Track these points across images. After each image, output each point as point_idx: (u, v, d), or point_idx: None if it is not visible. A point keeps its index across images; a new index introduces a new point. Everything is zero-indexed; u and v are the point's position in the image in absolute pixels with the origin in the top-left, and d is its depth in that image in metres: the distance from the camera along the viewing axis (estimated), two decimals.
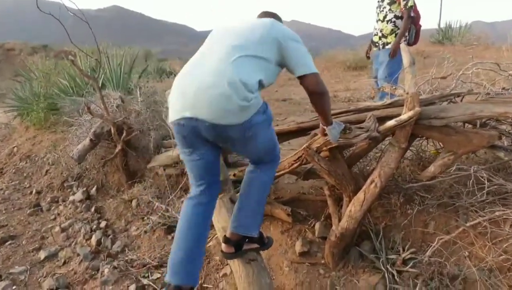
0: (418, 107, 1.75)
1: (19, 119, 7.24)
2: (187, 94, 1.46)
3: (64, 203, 3.79)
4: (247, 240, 1.73)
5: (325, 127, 1.74)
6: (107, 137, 3.37)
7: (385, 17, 3.86)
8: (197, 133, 1.49)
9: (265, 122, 1.55)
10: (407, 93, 1.82)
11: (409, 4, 3.63)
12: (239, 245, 1.71)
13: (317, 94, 1.59)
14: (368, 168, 2.68)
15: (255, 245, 1.77)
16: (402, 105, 1.92)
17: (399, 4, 3.71)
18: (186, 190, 2.99)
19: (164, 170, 3.13)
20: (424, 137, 2.33)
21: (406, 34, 3.75)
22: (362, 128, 1.86)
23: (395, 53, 3.70)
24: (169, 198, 2.90)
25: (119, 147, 3.27)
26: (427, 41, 14.81)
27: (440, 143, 2.26)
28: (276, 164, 1.77)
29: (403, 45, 2.07)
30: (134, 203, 3.22)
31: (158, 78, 14.61)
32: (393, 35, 3.82)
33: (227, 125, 1.43)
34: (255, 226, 1.72)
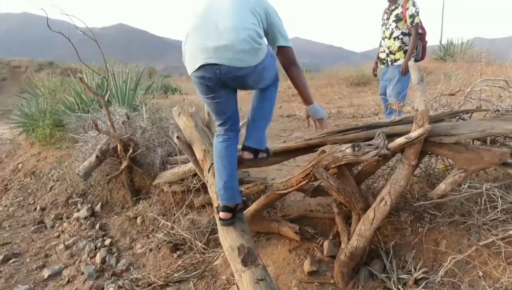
0: (427, 125, 1.74)
1: (24, 135, 7.28)
2: (208, 44, 1.72)
3: (68, 220, 3.77)
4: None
5: (307, 107, 2.04)
6: (113, 154, 3.37)
7: (391, 34, 3.92)
8: (218, 79, 1.78)
9: (273, 61, 1.89)
10: (416, 110, 1.82)
11: (415, 21, 3.70)
12: (257, 152, 2.14)
13: (295, 66, 1.94)
14: (376, 184, 2.66)
15: (265, 155, 2.20)
16: (411, 122, 1.91)
17: (406, 21, 3.77)
18: (191, 207, 2.97)
19: (170, 186, 3.11)
20: (433, 154, 2.31)
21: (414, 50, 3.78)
22: (371, 145, 1.85)
23: (406, 70, 3.73)
24: (174, 215, 2.87)
25: (124, 164, 3.26)
26: (429, 58, 14.94)
27: (449, 160, 2.24)
28: (278, 83, 2.08)
29: (411, 62, 2.08)
30: (139, 220, 3.19)
31: (163, 94, 14.76)
32: (401, 51, 3.87)
33: (244, 67, 1.75)
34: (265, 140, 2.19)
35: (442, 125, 1.86)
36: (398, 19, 3.83)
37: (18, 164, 6.54)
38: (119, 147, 3.12)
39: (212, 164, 2.28)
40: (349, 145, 1.86)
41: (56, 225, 3.75)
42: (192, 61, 1.79)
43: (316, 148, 2.28)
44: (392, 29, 3.90)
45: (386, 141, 1.87)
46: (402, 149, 1.89)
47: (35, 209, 4.28)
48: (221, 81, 1.79)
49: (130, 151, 3.14)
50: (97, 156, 3.09)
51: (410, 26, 3.73)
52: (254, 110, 2.10)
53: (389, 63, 3.99)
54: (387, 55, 4.00)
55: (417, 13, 3.71)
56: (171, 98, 13.31)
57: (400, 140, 1.82)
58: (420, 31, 3.73)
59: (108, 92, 6.27)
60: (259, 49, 1.74)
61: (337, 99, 9.47)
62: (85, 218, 3.60)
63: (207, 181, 2.30)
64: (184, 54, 1.86)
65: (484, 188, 1.91)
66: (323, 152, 2.10)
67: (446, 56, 14.72)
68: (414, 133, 1.78)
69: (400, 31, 3.85)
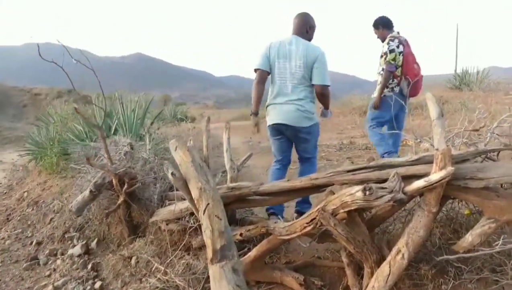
0: (450, 167, 1.50)
1: (34, 163, 7.24)
2: (280, 111, 2.95)
3: (62, 256, 3.56)
4: None
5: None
6: (109, 187, 3.19)
7: (378, 69, 4.15)
8: (282, 130, 2.99)
9: (317, 131, 3.12)
10: (437, 149, 1.59)
11: (387, 58, 3.89)
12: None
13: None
14: (391, 227, 2.39)
15: None
16: (430, 162, 1.68)
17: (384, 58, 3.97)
18: (189, 248, 2.73)
19: (167, 224, 2.89)
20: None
21: (394, 86, 3.96)
22: (384, 188, 1.61)
23: (375, 105, 4.05)
24: (169, 258, 2.64)
25: (121, 199, 3.07)
26: (444, 87, 14.67)
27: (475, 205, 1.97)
28: (316, 157, 3.28)
29: (429, 95, 1.87)
30: (133, 260, 2.96)
31: (176, 122, 14.79)
32: (378, 86, 4.06)
33: (298, 127, 2.94)
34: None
35: (467, 167, 1.62)
36: (381, 56, 4.04)
37: (24, 192, 6.44)
38: (114, 182, 2.94)
39: (208, 204, 2.07)
40: (360, 187, 1.63)
41: (50, 262, 3.54)
42: None
43: (323, 188, 2.06)
44: (378, 65, 4.12)
45: (402, 184, 1.63)
46: (421, 193, 1.65)
47: (31, 242, 4.10)
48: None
49: (126, 186, 2.96)
50: (91, 191, 2.92)
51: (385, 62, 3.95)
52: None
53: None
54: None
55: (390, 51, 3.88)
56: (182, 126, 13.33)
57: (418, 183, 1.58)
58: (391, 69, 3.89)
59: (116, 121, 6.24)
60: None
61: (350, 129, 9.26)
62: (79, 255, 3.39)
63: (202, 223, 2.08)
64: None
65: None
66: (331, 193, 1.87)
67: (461, 85, 14.44)
68: (434, 176, 1.54)
69: (381, 67, 4.03)
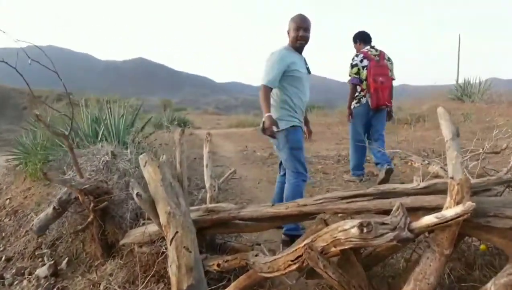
0: (470, 202, 1.19)
1: (20, 168, 6.93)
2: None
3: (30, 276, 3.22)
4: None
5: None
6: (79, 203, 2.87)
7: None
8: None
9: (286, 140, 2.69)
10: (451, 177, 1.28)
11: (350, 72, 4.19)
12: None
13: None
14: (392, 259, 2.07)
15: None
16: (443, 192, 1.37)
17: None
18: (162, 277, 2.40)
19: (141, 247, 2.57)
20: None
21: (361, 98, 4.16)
22: (386, 224, 1.30)
23: (347, 117, 4.40)
24: (139, 287, 2.31)
25: (90, 217, 2.76)
26: (445, 98, 14.39)
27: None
28: (296, 178, 2.71)
29: (441, 110, 1.57)
30: (102, 286, 2.63)
31: (174, 127, 14.46)
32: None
33: None
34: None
35: (490, 201, 1.31)
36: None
37: (7, 199, 6.09)
38: (80, 199, 2.62)
39: (177, 232, 1.76)
40: (355, 222, 1.32)
41: (15, 283, 3.21)
42: None
43: (312, 216, 1.74)
44: None
45: (408, 219, 1.32)
46: (431, 230, 1.34)
47: (1, 258, 3.77)
48: None
49: (92, 205, 2.63)
50: (54, 208, 2.60)
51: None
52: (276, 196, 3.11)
53: None
54: None
55: (352, 66, 4.15)
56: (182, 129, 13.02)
57: (429, 220, 1.27)
58: (354, 81, 4.14)
59: (103, 127, 5.94)
60: None
61: (348, 140, 8.93)
62: (45, 277, 3.06)
63: (168, 255, 1.76)
64: None
65: None
66: (322, 222, 1.56)
67: (463, 96, 14.17)
68: (449, 212, 1.23)
69: None
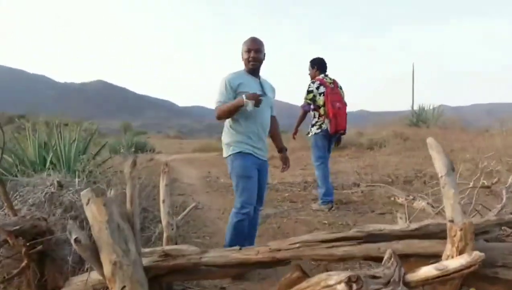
0: (476, 251, 1.00)
1: None
2: None
3: None
4: None
5: None
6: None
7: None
8: None
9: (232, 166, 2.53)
10: (451, 221, 1.09)
11: (305, 97, 4.29)
12: None
13: None
14: None
15: None
16: (435, 234, 1.18)
17: None
18: None
19: None
20: None
21: (321, 123, 4.24)
22: (378, 278, 1.09)
23: (292, 136, 4.82)
24: None
25: (25, 261, 2.32)
26: (402, 123, 14.94)
27: None
28: (234, 218, 2.48)
29: (432, 141, 1.40)
30: None
31: (128, 154, 13.77)
32: (310, 126, 4.45)
33: None
34: None
35: (496, 248, 1.13)
36: None
37: None
38: (10, 241, 2.20)
39: (124, 287, 1.44)
40: (342, 276, 1.09)
41: None
42: None
43: (287, 262, 1.50)
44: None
45: (403, 271, 1.11)
46: (430, 283, 1.13)
47: None
48: None
49: (24, 249, 2.22)
50: None
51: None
52: None
53: None
54: None
55: (308, 92, 4.25)
56: (138, 157, 12.42)
57: (428, 272, 1.08)
58: (307, 108, 4.32)
59: (51, 154, 5.42)
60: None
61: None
62: None
63: None
64: None
65: None
66: (299, 270, 1.32)
67: (419, 122, 14.80)
68: (453, 263, 1.04)
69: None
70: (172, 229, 1.99)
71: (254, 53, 2.54)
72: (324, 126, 4.21)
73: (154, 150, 18.39)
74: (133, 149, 15.54)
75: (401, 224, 1.39)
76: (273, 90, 2.76)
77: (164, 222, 2.00)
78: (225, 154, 2.57)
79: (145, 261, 1.75)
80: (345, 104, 4.28)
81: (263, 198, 2.70)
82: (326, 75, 4.35)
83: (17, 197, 3.62)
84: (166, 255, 1.76)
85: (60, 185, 3.96)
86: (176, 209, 4.62)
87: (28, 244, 2.24)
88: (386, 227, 1.35)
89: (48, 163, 5.36)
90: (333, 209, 4.11)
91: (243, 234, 2.50)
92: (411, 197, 1.71)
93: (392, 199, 2.08)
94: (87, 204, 1.72)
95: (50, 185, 3.84)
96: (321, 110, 4.21)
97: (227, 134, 2.56)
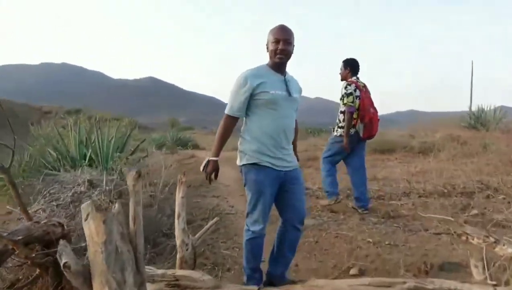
0: None
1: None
2: None
3: None
4: None
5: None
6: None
7: (341, 108, 4.29)
8: None
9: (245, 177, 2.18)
10: None
11: (346, 101, 4.10)
12: None
13: None
14: None
15: None
16: None
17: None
18: None
19: None
20: None
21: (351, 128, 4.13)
22: None
23: (344, 146, 4.16)
24: None
25: (37, 271, 2.19)
26: (458, 125, 13.73)
27: None
28: (245, 236, 2.18)
29: None
30: None
31: (176, 148, 13.94)
32: (336, 126, 4.34)
33: None
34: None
35: None
36: (340, 98, 4.25)
37: None
38: (17, 250, 2.05)
39: None
40: None
41: None
42: None
43: None
44: (341, 104, 4.28)
45: None
46: None
47: None
48: None
49: (32, 258, 2.06)
50: None
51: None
52: None
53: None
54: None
55: (348, 94, 4.08)
56: (180, 154, 12.45)
57: None
58: (352, 110, 4.07)
59: (90, 150, 5.44)
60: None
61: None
62: None
63: None
64: None
65: None
66: None
67: (477, 125, 13.53)
68: None
69: (340, 109, 4.26)
70: (187, 250, 1.71)
71: (283, 44, 2.13)
72: (352, 130, 4.15)
73: (198, 146, 18.55)
74: (176, 145, 15.72)
75: (477, 276, 0.99)
76: (300, 90, 2.35)
77: (178, 241, 1.73)
78: (238, 162, 2.24)
79: (150, 289, 1.49)
80: (376, 110, 4.26)
81: (301, 214, 2.29)
82: (358, 78, 4.26)
83: (47, 195, 3.58)
84: (174, 284, 1.48)
85: (91, 184, 3.87)
86: (208, 213, 4.40)
87: (38, 252, 2.09)
88: (452, 283, 0.95)
89: (87, 159, 5.40)
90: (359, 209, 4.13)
91: (257, 254, 2.21)
92: (491, 239, 1.27)
93: (464, 238, 1.65)
94: (86, 219, 1.48)
95: (80, 184, 3.76)
96: (354, 114, 4.12)
97: (243, 140, 2.22)
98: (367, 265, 2.72)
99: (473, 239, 1.41)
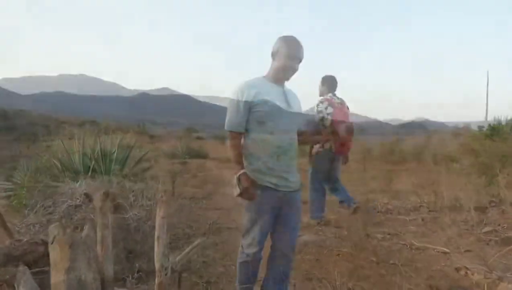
0: None
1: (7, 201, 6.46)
2: None
3: None
4: None
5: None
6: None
7: None
8: None
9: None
10: None
11: (316, 119, 4.18)
12: None
13: None
14: None
15: None
16: None
17: None
18: None
19: None
20: None
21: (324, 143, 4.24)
22: None
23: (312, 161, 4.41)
24: None
25: None
26: (473, 136, 13.32)
27: None
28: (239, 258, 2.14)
29: None
30: None
31: (186, 159, 13.92)
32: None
33: None
34: None
35: None
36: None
37: None
38: None
39: None
40: None
41: None
42: None
43: None
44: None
45: None
46: None
47: None
48: None
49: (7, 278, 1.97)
50: None
51: None
52: None
53: None
54: None
55: (318, 112, 4.16)
56: (190, 164, 12.40)
57: None
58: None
59: (93, 161, 5.42)
60: None
61: (369, 180, 8.09)
62: None
63: None
64: None
65: None
66: None
67: (493, 136, 13.10)
68: None
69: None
70: (166, 274, 1.59)
71: (298, 63, 2.06)
72: (327, 146, 4.26)
73: (208, 156, 18.49)
74: (186, 155, 15.68)
75: None
76: (299, 105, 2.20)
77: (157, 265, 1.61)
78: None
79: None
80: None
81: (292, 243, 2.15)
82: (335, 94, 4.35)
83: (40, 209, 3.53)
84: None
85: (88, 197, 3.81)
86: (206, 227, 4.27)
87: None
88: None
89: (90, 171, 5.38)
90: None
91: (251, 276, 2.13)
92: (494, 276, 1.11)
93: (463, 273, 1.49)
94: (52, 243, 1.38)
95: (78, 196, 3.71)
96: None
97: (243, 156, 2.05)
98: (369, 288, 2.56)
99: (473, 275, 1.24)
